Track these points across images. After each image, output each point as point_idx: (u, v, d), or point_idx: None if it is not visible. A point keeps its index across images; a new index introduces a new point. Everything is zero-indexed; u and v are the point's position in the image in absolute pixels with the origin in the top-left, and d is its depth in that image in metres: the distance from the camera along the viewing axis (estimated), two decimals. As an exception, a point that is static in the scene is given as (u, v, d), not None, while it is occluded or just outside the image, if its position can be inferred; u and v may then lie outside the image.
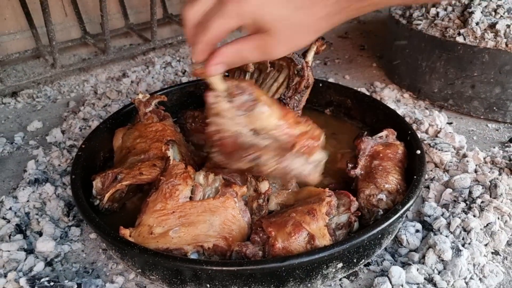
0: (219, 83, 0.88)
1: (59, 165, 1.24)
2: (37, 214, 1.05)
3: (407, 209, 0.87)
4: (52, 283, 0.81)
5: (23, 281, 0.82)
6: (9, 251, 0.92)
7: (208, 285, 0.81)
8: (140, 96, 1.16)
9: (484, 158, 1.15)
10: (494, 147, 1.23)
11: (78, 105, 1.58)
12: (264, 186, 0.92)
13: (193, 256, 0.83)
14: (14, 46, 1.76)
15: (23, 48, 1.76)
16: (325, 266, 0.81)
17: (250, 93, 0.88)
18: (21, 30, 1.75)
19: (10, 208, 1.06)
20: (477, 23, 1.32)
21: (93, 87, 1.70)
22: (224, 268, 0.76)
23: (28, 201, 1.09)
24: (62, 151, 1.28)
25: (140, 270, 0.86)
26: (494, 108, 1.35)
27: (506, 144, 1.26)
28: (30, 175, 1.17)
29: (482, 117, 1.39)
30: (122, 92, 1.60)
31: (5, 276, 0.87)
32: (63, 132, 1.41)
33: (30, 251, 0.95)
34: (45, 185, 1.12)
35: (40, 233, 1.01)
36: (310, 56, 1.21)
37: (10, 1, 1.69)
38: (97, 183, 0.97)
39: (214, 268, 0.76)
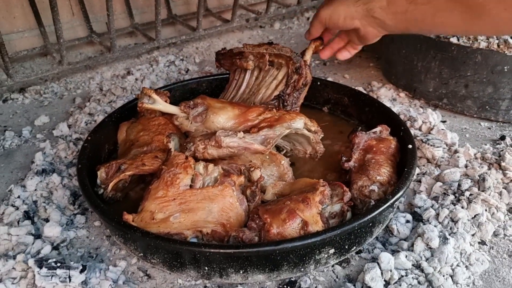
0: (169, 107, 1.12)
1: (66, 157, 1.29)
2: (44, 202, 1.10)
3: (397, 199, 0.91)
4: (59, 264, 0.86)
5: (31, 262, 0.87)
6: (17, 235, 0.97)
7: (206, 268, 0.85)
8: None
9: (475, 154, 1.19)
10: (486, 144, 1.27)
11: (84, 101, 1.63)
12: (256, 174, 0.97)
13: (193, 241, 0.88)
14: (23, 43, 1.81)
15: (31, 46, 1.81)
16: (317, 251, 0.85)
17: (202, 105, 1.12)
18: (29, 28, 1.80)
19: (19, 197, 1.11)
20: (470, 25, 1.36)
21: (99, 84, 1.75)
22: (221, 251, 0.81)
23: (35, 190, 1.14)
24: (68, 144, 1.33)
25: (142, 254, 0.91)
26: (487, 107, 1.39)
27: (497, 142, 1.30)
28: (38, 166, 1.22)
29: (475, 115, 1.43)
30: (126, 89, 1.65)
31: (14, 257, 0.91)
32: (69, 126, 1.46)
33: (37, 236, 1.00)
34: (52, 175, 1.17)
35: (47, 220, 1.05)
36: (308, 55, 1.26)
37: (19, 0, 1.74)
38: (101, 173, 1.02)
39: (212, 250, 0.80)
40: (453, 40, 1.37)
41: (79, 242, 1.02)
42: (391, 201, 0.89)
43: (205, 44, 2.08)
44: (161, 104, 1.11)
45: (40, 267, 0.85)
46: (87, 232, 1.05)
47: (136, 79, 1.72)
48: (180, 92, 1.43)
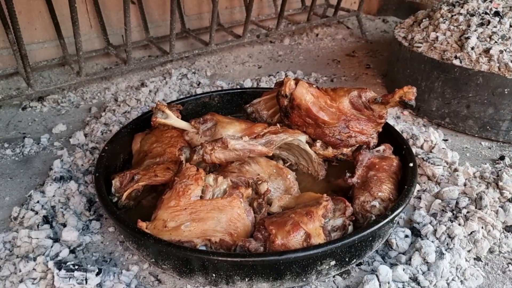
0: (180, 123, 1.18)
1: (82, 165, 1.35)
2: (62, 208, 1.16)
3: (396, 215, 0.96)
4: (76, 267, 0.91)
5: (51, 264, 0.93)
6: (37, 238, 1.03)
7: (214, 275, 0.90)
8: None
9: (474, 173, 1.23)
10: (485, 164, 1.32)
11: (100, 110, 1.70)
12: (263, 187, 1.03)
13: (201, 249, 0.93)
14: (42, 54, 1.89)
15: (50, 57, 1.89)
16: (319, 263, 0.90)
17: (211, 120, 1.19)
18: (49, 39, 1.89)
19: (38, 202, 1.17)
20: (472, 48, 1.41)
21: (114, 94, 1.82)
22: (228, 259, 0.86)
23: (54, 196, 1.20)
24: (85, 153, 1.39)
25: (153, 260, 0.97)
26: (488, 127, 1.44)
27: (496, 161, 1.34)
28: (56, 172, 1.28)
29: (476, 135, 1.47)
30: (140, 100, 1.72)
31: (35, 259, 0.97)
32: (85, 135, 1.52)
33: (56, 239, 1.06)
34: (69, 182, 1.23)
35: (64, 225, 1.11)
36: None
37: (40, 12, 1.83)
38: (116, 182, 1.08)
39: (220, 258, 0.86)
40: (456, 62, 1.43)
41: (94, 247, 1.08)
42: (391, 217, 0.94)
43: (217, 58, 2.15)
44: (174, 119, 1.17)
45: (59, 269, 0.91)
46: (101, 237, 1.11)
47: (150, 91, 1.79)
48: (192, 106, 1.49)
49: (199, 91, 1.80)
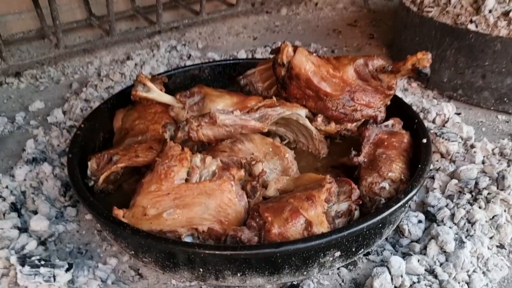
0: (164, 97, 1.05)
1: (58, 145, 1.22)
2: (33, 193, 1.04)
3: (410, 199, 0.84)
4: (42, 262, 0.80)
5: (13, 258, 0.81)
6: (2, 228, 0.91)
7: (201, 270, 0.79)
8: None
9: (493, 150, 1.11)
10: (503, 139, 1.19)
11: (81, 86, 1.56)
12: (257, 168, 0.90)
13: (187, 239, 0.81)
14: (19, 26, 1.74)
15: (28, 28, 1.74)
16: (322, 254, 0.78)
17: (199, 94, 1.07)
18: (26, 10, 1.73)
19: (7, 187, 1.05)
20: (490, 11, 1.27)
21: (97, 69, 1.67)
22: (217, 252, 0.74)
23: (25, 180, 1.08)
24: (62, 131, 1.27)
25: (133, 252, 0.85)
26: (505, 99, 1.31)
27: (516, 137, 1.22)
28: (29, 154, 1.16)
29: (492, 108, 1.34)
30: (125, 75, 1.58)
31: (-3, 253, 0.86)
32: (64, 112, 1.39)
33: (24, 229, 0.94)
34: (42, 165, 1.11)
35: (35, 212, 0.99)
36: None
37: (15, -20, 1.67)
38: (92, 164, 0.96)
39: (207, 251, 0.74)
40: (471, 27, 1.29)
41: (68, 237, 0.97)
42: (403, 200, 0.82)
43: (209, 29, 2.00)
44: (156, 93, 1.04)
45: (23, 265, 0.79)
46: (77, 225, 1.00)
47: (136, 65, 1.65)
48: (181, 79, 1.36)
49: (189, 64, 1.66)
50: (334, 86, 1.04)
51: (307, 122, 1.07)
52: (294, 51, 1.05)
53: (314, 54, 1.08)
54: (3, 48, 1.46)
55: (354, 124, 1.08)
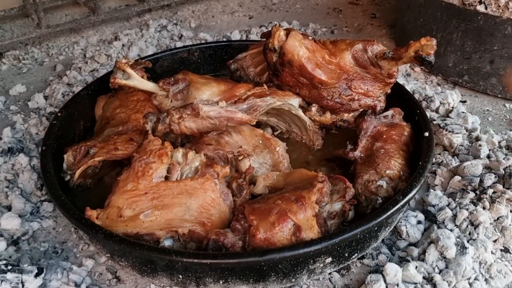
0: (146, 84, 0.98)
1: (37, 133, 1.15)
2: (7, 187, 0.98)
3: (409, 200, 0.78)
4: (9, 267, 0.74)
5: (-22, 263, 0.75)
6: (-31, 228, 0.85)
7: (180, 276, 0.73)
8: (124, 60, 1.05)
9: (499, 142, 1.04)
10: (511, 130, 1.11)
11: (66, 68, 1.48)
12: (244, 164, 0.84)
13: (167, 242, 0.75)
14: (1, 3, 1.64)
15: (10, 6, 1.64)
16: (311, 261, 0.72)
17: (183, 81, 0.99)
18: (7, -14, 1.64)
19: (-21, 180, 0.98)
20: (501, -10, 1.18)
21: (83, 50, 1.59)
22: (195, 260, 0.68)
23: (-1, 172, 1.01)
24: (40, 119, 1.20)
25: (109, 255, 0.79)
26: (514, 86, 1.23)
27: (524, 127, 1.14)
28: (5, 143, 1.09)
29: (499, 96, 1.26)
30: (111, 56, 1.49)
31: (-38, 256, 0.80)
32: (45, 97, 1.32)
33: (-5, 228, 0.88)
34: (18, 156, 1.04)
35: (9, 208, 0.93)
36: None
37: (-6, -47, 1.57)
38: (68, 157, 0.89)
39: (185, 260, 0.68)
40: (480, 8, 1.20)
41: (43, 235, 0.91)
42: (402, 202, 0.75)
43: (202, 7, 1.90)
44: (137, 80, 0.96)
45: (-12, 270, 0.73)
46: (53, 222, 0.93)
47: (123, 46, 1.56)
48: (168, 62, 1.27)
49: (180, 45, 1.57)
50: (330, 73, 0.96)
51: (300, 113, 0.99)
52: (287, 35, 0.97)
53: (310, 38, 0.99)
54: (-19, 27, 1.37)
55: (351, 114, 1.00)
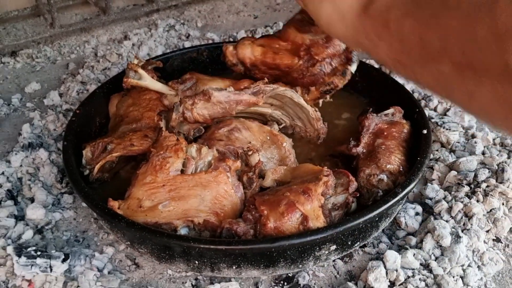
0: (156, 85, 1.04)
1: (54, 129, 1.21)
2: (29, 180, 1.03)
3: (408, 193, 0.84)
4: (39, 253, 0.80)
5: (10, 249, 0.81)
6: (-1, 217, 0.91)
7: (196, 262, 0.79)
8: (135, 61, 1.11)
9: (494, 140, 1.09)
10: (505, 128, 1.17)
11: (78, 67, 1.53)
12: (254, 159, 0.89)
13: (183, 231, 0.81)
14: (14, 3, 1.70)
15: (23, 6, 1.70)
16: (317, 248, 0.78)
17: (190, 80, 1.05)
18: (20, -14, 1.69)
19: (3, 173, 1.04)
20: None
21: (94, 48, 1.64)
22: (212, 246, 0.74)
23: (21, 166, 1.07)
24: (58, 115, 1.25)
25: (129, 243, 0.85)
26: (509, 86, 1.28)
27: (518, 125, 1.20)
28: (25, 139, 1.14)
29: (495, 95, 1.32)
30: (122, 56, 1.55)
31: (-6, 242, 0.86)
32: (60, 95, 1.37)
33: (20, 217, 0.94)
34: (39, 150, 1.10)
35: (32, 200, 0.99)
36: None
37: (8, -45, 1.62)
38: (87, 153, 0.95)
39: (202, 246, 0.74)
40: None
41: (65, 225, 0.97)
42: (401, 195, 0.81)
43: (208, 7, 1.95)
44: (148, 81, 1.02)
45: (19, 256, 0.79)
46: (74, 213, 0.99)
47: (133, 45, 1.62)
48: (178, 62, 1.33)
49: (187, 44, 1.62)
50: (288, 55, 1.03)
51: (302, 101, 1.04)
52: (236, 47, 1.05)
53: (259, 36, 1.08)
54: (-3, 27, 1.43)
55: (332, 78, 1.04)
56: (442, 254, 0.83)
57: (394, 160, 0.92)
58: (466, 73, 0.42)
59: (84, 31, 1.74)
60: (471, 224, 0.87)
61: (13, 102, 1.37)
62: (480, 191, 0.93)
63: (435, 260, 0.82)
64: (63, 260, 0.81)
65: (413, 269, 0.81)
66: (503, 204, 0.92)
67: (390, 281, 0.79)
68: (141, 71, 1.01)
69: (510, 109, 0.39)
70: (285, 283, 0.83)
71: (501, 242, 0.89)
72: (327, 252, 0.80)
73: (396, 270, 0.80)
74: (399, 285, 0.79)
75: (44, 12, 1.66)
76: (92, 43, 1.68)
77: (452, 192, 0.95)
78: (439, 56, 0.45)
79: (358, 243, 0.84)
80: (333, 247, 0.80)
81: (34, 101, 1.38)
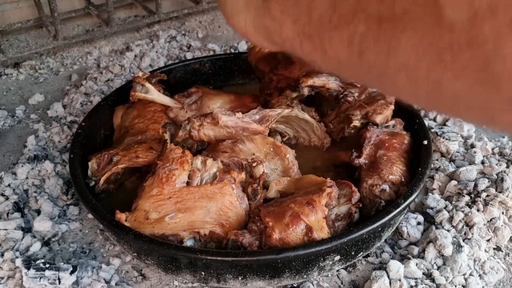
0: (163, 98, 1.06)
1: (59, 141, 1.22)
2: (35, 192, 1.05)
3: (410, 203, 0.85)
4: (47, 265, 0.81)
5: (19, 261, 0.82)
6: (6, 229, 0.92)
7: (203, 273, 0.80)
8: (140, 73, 1.13)
9: (493, 149, 1.11)
10: (503, 137, 1.19)
11: (81, 78, 1.55)
12: (258, 170, 0.91)
13: (189, 243, 0.82)
14: (17, 15, 1.72)
15: (26, 18, 1.72)
16: (322, 259, 0.80)
17: (196, 93, 1.09)
18: (23, -2, 1.71)
19: (9, 185, 1.06)
20: None
21: (96, 60, 1.66)
22: (218, 258, 0.75)
23: (27, 178, 1.08)
24: (62, 127, 1.27)
25: (135, 254, 0.86)
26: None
27: (516, 134, 1.22)
28: (30, 151, 1.16)
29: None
30: (125, 67, 1.57)
31: (2, 255, 0.87)
32: (64, 106, 1.39)
33: (27, 229, 0.95)
34: (44, 162, 1.11)
35: (38, 212, 1.00)
36: None
37: (12, -32, 1.64)
38: (92, 164, 0.96)
39: (209, 257, 0.75)
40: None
41: (71, 236, 0.98)
42: (403, 205, 0.83)
43: (209, 17, 1.97)
44: (155, 94, 1.04)
45: (28, 268, 0.81)
46: (80, 225, 1.00)
47: (135, 56, 1.64)
48: (181, 73, 1.35)
49: (189, 55, 1.64)
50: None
51: (306, 116, 1.07)
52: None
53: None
54: (1, 40, 1.45)
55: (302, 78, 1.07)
56: (444, 264, 0.85)
57: (396, 171, 0.93)
58: (384, 27, 0.37)
59: (86, 42, 1.76)
60: (472, 234, 0.89)
61: (17, 113, 1.38)
62: (480, 201, 0.94)
63: (437, 270, 0.84)
64: (71, 272, 0.82)
65: (416, 278, 0.83)
66: (503, 213, 0.94)
67: (393, 290, 0.81)
68: (148, 84, 1.03)
69: (437, 56, 0.33)
70: (290, 293, 0.84)
71: (502, 251, 0.90)
72: (331, 262, 0.81)
73: (400, 280, 0.81)
74: (403, 294, 0.80)
75: (47, 24, 1.68)
76: (94, 55, 1.70)
77: (453, 202, 0.97)
78: (353, 16, 0.40)
79: (362, 253, 0.85)
80: (337, 257, 0.81)
81: (38, 113, 1.39)
